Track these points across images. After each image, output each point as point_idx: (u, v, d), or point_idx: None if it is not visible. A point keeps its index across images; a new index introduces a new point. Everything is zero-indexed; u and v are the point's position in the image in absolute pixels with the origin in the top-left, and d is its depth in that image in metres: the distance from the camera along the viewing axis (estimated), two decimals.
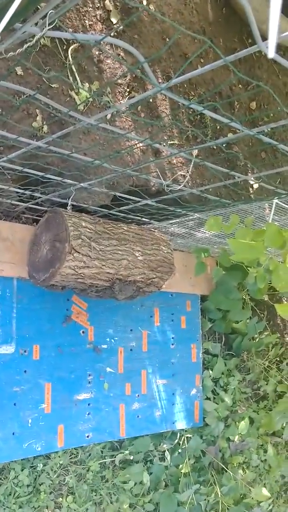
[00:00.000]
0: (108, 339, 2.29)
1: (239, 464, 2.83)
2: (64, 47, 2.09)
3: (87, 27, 2.14)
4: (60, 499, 2.08)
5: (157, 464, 2.44)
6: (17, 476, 1.93)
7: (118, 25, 2.27)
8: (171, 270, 2.17)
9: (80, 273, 1.80)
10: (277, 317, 3.36)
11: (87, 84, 2.13)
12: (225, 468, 2.71)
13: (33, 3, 0.65)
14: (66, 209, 1.86)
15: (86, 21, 2.15)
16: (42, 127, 1.93)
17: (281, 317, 3.36)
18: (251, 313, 2.96)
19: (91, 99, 2.15)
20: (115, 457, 2.28)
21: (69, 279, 1.81)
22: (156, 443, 2.48)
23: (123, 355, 2.34)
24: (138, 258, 1.99)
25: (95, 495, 2.20)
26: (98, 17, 2.19)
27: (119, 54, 2.29)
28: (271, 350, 3.13)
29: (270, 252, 2.16)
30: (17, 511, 1.91)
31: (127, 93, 2.33)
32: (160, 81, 2.53)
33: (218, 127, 2.82)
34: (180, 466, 2.51)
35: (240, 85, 3.16)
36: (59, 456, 2.08)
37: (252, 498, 2.75)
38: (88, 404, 2.17)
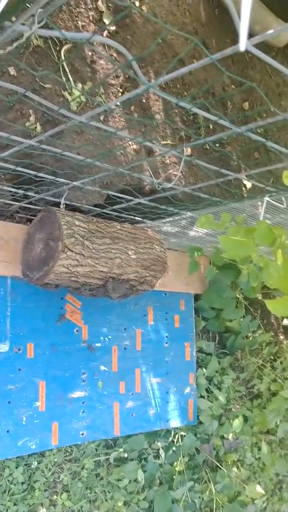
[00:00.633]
0: (102, 338, 2.30)
1: (233, 462, 2.85)
2: (57, 48, 2.10)
3: (80, 28, 2.15)
4: (55, 496, 2.09)
5: (152, 462, 2.45)
6: (12, 474, 1.94)
7: (110, 25, 2.29)
8: (164, 269, 2.19)
9: (74, 272, 1.82)
10: (270, 316, 3.39)
11: (80, 84, 2.15)
12: (219, 466, 2.72)
13: (22, 2, 0.66)
14: (60, 208, 1.87)
15: (79, 22, 2.17)
16: (36, 127, 1.95)
17: (274, 316, 3.39)
18: (245, 312, 2.99)
19: (84, 100, 2.17)
20: (109, 455, 2.29)
21: (62, 278, 1.83)
22: (151, 441, 2.49)
23: (117, 354, 2.35)
24: (131, 256, 2.01)
25: (90, 493, 2.21)
26: (90, 18, 2.21)
27: (112, 55, 2.31)
28: (265, 349, 3.15)
29: (263, 251, 2.18)
30: (12, 508, 1.92)
31: (120, 94, 2.34)
32: (153, 81, 2.55)
33: (211, 127, 2.84)
34: (175, 464, 2.52)
35: (233, 86, 3.18)
36: (53, 454, 2.09)
37: (247, 495, 2.76)
38: (83, 402, 2.19)
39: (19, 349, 1.98)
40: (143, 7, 2.45)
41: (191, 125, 2.73)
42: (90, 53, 2.24)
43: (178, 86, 2.68)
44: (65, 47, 2.12)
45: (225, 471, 2.69)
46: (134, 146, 2.33)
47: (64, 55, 2.13)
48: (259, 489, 2.76)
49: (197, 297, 2.82)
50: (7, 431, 1.91)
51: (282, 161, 3.40)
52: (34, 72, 1.90)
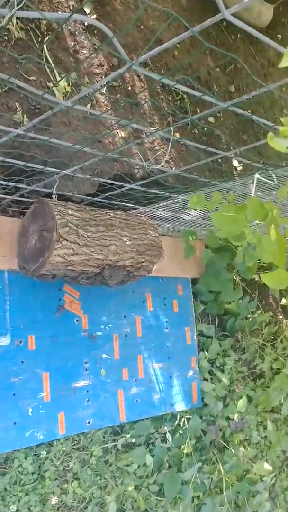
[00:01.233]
0: (102, 326, 2.32)
1: (240, 441, 2.88)
2: (39, 39, 2.10)
3: (60, 22, 2.14)
4: (66, 485, 2.11)
5: (159, 446, 2.48)
6: (21, 465, 1.96)
7: (91, 14, 2.29)
8: (160, 253, 2.20)
9: (70, 261, 1.83)
10: (268, 296, 3.41)
11: (64, 75, 2.14)
12: (226, 446, 2.75)
13: None
14: (52, 198, 1.88)
15: (59, 12, 2.16)
16: (23, 120, 1.95)
17: (272, 296, 3.41)
18: (243, 293, 3.01)
19: (69, 90, 2.17)
20: (117, 442, 2.32)
21: (59, 268, 1.84)
22: (157, 425, 2.52)
23: (118, 341, 2.37)
24: (126, 243, 2.02)
25: (100, 479, 2.23)
26: (71, 7, 2.20)
27: (94, 44, 2.31)
28: (265, 329, 3.18)
29: (257, 230, 2.20)
30: (24, 498, 1.94)
31: (105, 83, 2.34)
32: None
33: (198, 111, 2.84)
34: (182, 446, 2.55)
35: (218, 69, 3.18)
36: (61, 443, 2.11)
37: (255, 473, 2.80)
38: (87, 391, 2.20)
39: (20, 342, 2.00)
40: None
41: (178, 111, 2.73)
42: (72, 43, 2.23)
43: (163, 72, 2.68)
44: (47, 38, 2.12)
45: (232, 450, 2.72)
46: (123, 134, 2.34)
47: (46, 46, 2.13)
48: (267, 466, 2.79)
49: (194, 281, 2.83)
50: (14, 423, 1.93)
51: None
52: (17, 65, 1.90)
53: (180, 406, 2.61)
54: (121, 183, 1.86)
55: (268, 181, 1.85)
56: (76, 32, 2.22)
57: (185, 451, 2.54)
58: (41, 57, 2.06)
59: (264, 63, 3.60)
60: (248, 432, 2.97)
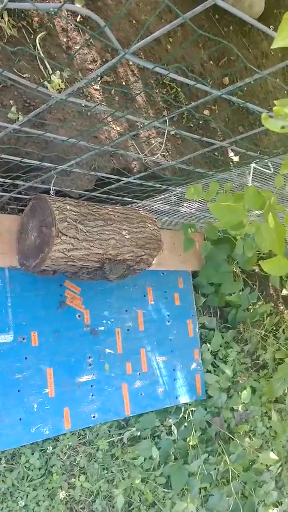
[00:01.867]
0: (104, 321, 2.32)
1: (245, 432, 2.89)
2: (32, 37, 2.10)
3: (52, 13, 2.15)
4: (73, 479, 2.12)
5: (165, 439, 2.49)
6: (28, 460, 1.97)
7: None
8: (159, 246, 2.21)
9: (70, 256, 1.83)
10: (269, 287, 3.42)
11: (58, 71, 2.15)
12: (231, 437, 2.77)
13: None
14: (50, 194, 1.88)
15: (50, 9, 2.16)
16: (18, 118, 1.95)
17: (273, 286, 3.42)
18: (243, 285, 3.02)
19: (63, 87, 2.17)
20: (122, 435, 2.33)
21: (59, 263, 1.84)
22: (162, 418, 2.53)
23: (120, 336, 2.38)
24: (125, 236, 2.03)
25: (107, 473, 2.24)
26: (61, 2, 2.20)
27: (87, 40, 2.31)
28: (266, 320, 3.19)
29: (255, 219, 2.20)
30: (32, 494, 1.95)
31: (99, 78, 2.35)
32: (130, 63, 2.55)
33: (193, 103, 2.84)
34: (188, 438, 2.56)
35: (211, 62, 3.18)
36: (67, 438, 2.12)
37: (261, 463, 2.81)
38: (91, 386, 2.21)
39: (23, 338, 2.00)
40: None
41: (173, 105, 2.73)
42: (65, 39, 2.24)
43: (156, 65, 2.68)
44: (39, 35, 2.12)
45: (238, 441, 2.73)
46: (118, 128, 2.34)
47: (39, 43, 2.13)
48: (273, 455, 2.80)
49: (194, 274, 2.84)
50: (20, 419, 1.94)
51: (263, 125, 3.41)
52: (10, 62, 1.90)
53: (184, 398, 2.62)
54: (118, 177, 1.86)
55: (264, 170, 1.86)
56: (69, 28, 2.23)
57: (190, 443, 2.55)
58: (34, 54, 2.06)
59: (257, 54, 3.60)
60: (253, 422, 2.98)
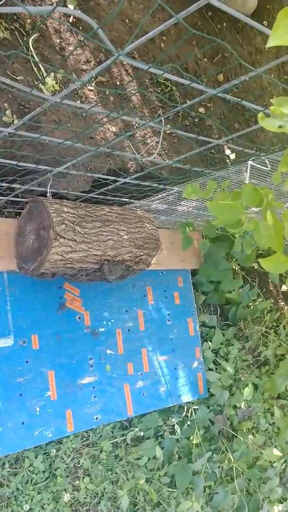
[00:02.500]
0: (104, 322, 2.32)
1: (248, 429, 2.89)
2: (24, 38, 2.09)
3: (44, 16, 2.14)
4: (77, 481, 2.12)
5: (168, 438, 2.49)
6: (32, 464, 1.97)
7: (75, 9, 2.28)
8: (158, 246, 2.20)
9: (68, 258, 1.83)
10: (269, 284, 3.42)
11: (52, 73, 2.14)
12: (235, 434, 2.77)
13: None
14: (47, 197, 1.88)
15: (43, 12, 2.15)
16: (13, 121, 1.94)
17: (273, 283, 3.42)
18: (243, 282, 3.01)
19: (58, 88, 2.16)
20: (126, 436, 2.33)
21: (58, 266, 1.84)
22: (165, 418, 2.53)
23: (121, 336, 2.37)
24: (124, 237, 2.02)
25: (111, 474, 2.24)
26: (54, 4, 2.19)
27: (80, 40, 2.30)
28: (267, 316, 3.19)
29: (254, 216, 2.20)
30: (36, 497, 1.95)
31: (93, 79, 2.34)
32: (124, 63, 2.54)
33: (188, 102, 2.83)
34: (191, 437, 2.56)
35: (205, 59, 3.18)
36: (70, 440, 2.12)
37: (265, 460, 2.81)
38: (93, 387, 2.21)
39: (23, 342, 2.00)
40: None
41: (168, 105, 2.73)
42: (58, 41, 2.23)
43: (150, 65, 2.67)
44: (32, 37, 2.12)
45: (241, 438, 2.73)
46: (114, 129, 2.33)
47: (32, 45, 2.12)
48: (276, 451, 2.80)
49: (194, 272, 2.84)
50: (22, 423, 1.93)
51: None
52: (4, 65, 1.89)
53: (186, 397, 2.62)
54: (115, 178, 1.86)
55: (261, 167, 1.85)
56: (61, 29, 2.22)
57: (194, 442, 2.55)
58: (28, 57, 2.05)
59: (251, 50, 3.59)
60: (256, 419, 2.98)
